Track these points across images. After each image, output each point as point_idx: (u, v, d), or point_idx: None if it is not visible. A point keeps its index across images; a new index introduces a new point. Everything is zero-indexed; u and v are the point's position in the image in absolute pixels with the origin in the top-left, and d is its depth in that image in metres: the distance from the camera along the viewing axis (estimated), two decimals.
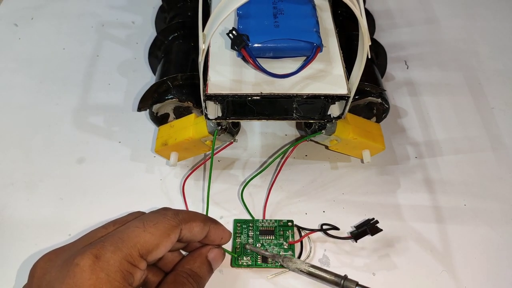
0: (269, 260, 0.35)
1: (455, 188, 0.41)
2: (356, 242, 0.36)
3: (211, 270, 0.32)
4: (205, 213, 0.36)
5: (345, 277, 0.33)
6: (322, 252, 0.37)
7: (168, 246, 0.28)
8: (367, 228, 0.36)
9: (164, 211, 0.29)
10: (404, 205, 0.40)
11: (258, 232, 0.37)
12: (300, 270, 0.34)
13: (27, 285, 0.26)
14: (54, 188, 0.40)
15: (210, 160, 0.37)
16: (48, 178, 0.41)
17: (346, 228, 0.38)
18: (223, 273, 0.35)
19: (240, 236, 0.37)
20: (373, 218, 0.36)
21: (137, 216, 0.29)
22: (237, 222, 0.38)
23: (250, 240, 0.37)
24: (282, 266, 0.35)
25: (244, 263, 0.36)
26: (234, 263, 0.36)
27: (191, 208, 0.39)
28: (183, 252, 0.33)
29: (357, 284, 0.33)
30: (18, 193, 0.40)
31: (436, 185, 0.41)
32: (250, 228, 0.38)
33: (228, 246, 0.36)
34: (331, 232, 0.37)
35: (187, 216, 0.29)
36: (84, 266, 0.24)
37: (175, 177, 0.41)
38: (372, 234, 0.36)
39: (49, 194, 0.40)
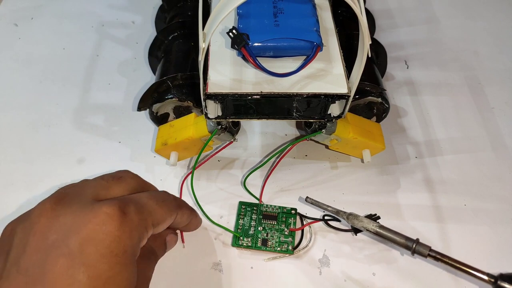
0: (269, 243, 0.36)
1: (455, 188, 0.41)
2: (356, 235, 0.36)
3: (164, 250, 0.34)
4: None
5: (417, 241, 0.32)
6: (322, 252, 0.37)
7: (167, 224, 0.29)
8: None
9: (166, 193, 0.31)
10: (404, 205, 0.40)
11: (261, 216, 0.38)
12: (367, 230, 0.33)
13: (28, 224, 0.25)
14: (54, 188, 0.40)
15: (208, 158, 0.37)
16: (48, 178, 0.41)
17: (344, 221, 0.38)
18: (223, 250, 0.36)
19: (243, 218, 0.38)
20: (375, 214, 0.36)
21: (131, 176, 0.30)
22: (242, 204, 0.39)
23: (253, 223, 0.37)
24: (281, 251, 0.35)
25: (244, 244, 0.36)
26: (235, 243, 0.36)
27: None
28: None
29: (430, 249, 0.31)
30: (18, 193, 0.40)
31: (436, 185, 0.41)
32: (254, 211, 0.38)
33: (230, 226, 0.38)
34: (331, 223, 0.37)
35: (182, 202, 0.32)
36: (114, 216, 0.25)
37: (175, 177, 0.41)
38: None
39: (49, 194, 0.40)
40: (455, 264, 0.31)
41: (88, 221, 0.24)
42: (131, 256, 0.25)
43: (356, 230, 0.36)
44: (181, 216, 0.31)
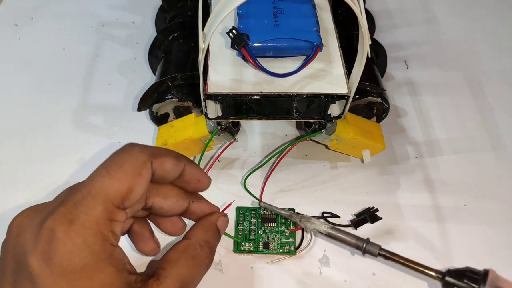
0: (270, 246, 0.36)
1: (455, 188, 0.41)
2: (356, 229, 0.37)
3: (219, 238, 0.30)
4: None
5: (367, 241, 0.32)
6: (322, 253, 0.37)
7: (143, 184, 0.25)
8: (367, 216, 0.36)
9: (130, 147, 0.26)
10: (404, 205, 0.40)
11: (260, 220, 0.38)
12: (319, 232, 0.33)
13: (4, 242, 0.24)
14: (54, 188, 0.40)
15: (214, 162, 0.37)
16: (48, 178, 0.41)
17: (344, 216, 0.38)
18: (225, 258, 0.36)
19: (242, 223, 0.38)
20: (373, 207, 0.36)
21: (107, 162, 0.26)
22: (239, 209, 0.38)
23: (253, 227, 0.37)
24: (283, 253, 0.35)
25: (246, 249, 0.36)
26: (237, 249, 0.36)
27: None
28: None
29: (380, 248, 0.32)
30: (18, 193, 0.40)
31: (436, 185, 0.41)
32: (252, 215, 0.38)
33: (230, 232, 0.37)
34: (331, 220, 0.37)
35: (156, 151, 0.26)
36: (56, 231, 0.22)
37: None
38: (372, 222, 0.36)
39: (49, 194, 0.40)
40: (404, 262, 0.31)
41: (37, 240, 0.22)
42: (97, 264, 0.23)
43: (356, 224, 0.36)
44: (161, 165, 0.26)
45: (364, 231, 0.37)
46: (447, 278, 0.30)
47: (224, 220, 0.30)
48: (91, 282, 0.22)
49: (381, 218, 0.36)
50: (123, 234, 0.26)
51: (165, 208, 0.28)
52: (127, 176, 0.24)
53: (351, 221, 0.37)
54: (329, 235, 0.32)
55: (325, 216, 0.38)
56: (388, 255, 0.31)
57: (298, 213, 0.35)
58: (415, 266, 0.31)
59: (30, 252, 0.22)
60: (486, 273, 0.29)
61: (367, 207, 0.37)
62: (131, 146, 0.26)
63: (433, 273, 0.31)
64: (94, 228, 0.23)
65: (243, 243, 0.36)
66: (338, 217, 0.38)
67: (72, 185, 0.26)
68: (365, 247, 0.32)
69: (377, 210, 0.36)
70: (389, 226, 0.38)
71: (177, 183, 0.29)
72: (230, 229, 0.38)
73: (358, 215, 0.37)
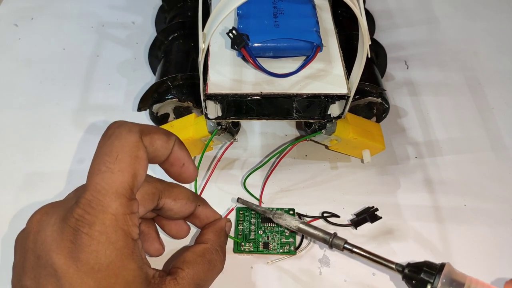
0: (270, 246, 0.36)
1: (455, 188, 0.41)
2: (356, 229, 0.37)
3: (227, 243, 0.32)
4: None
5: (334, 235, 0.33)
6: (322, 252, 0.37)
7: (144, 165, 0.24)
8: (367, 215, 0.36)
9: (117, 130, 0.25)
10: (404, 205, 0.40)
11: (260, 220, 0.38)
12: (290, 227, 0.34)
13: (22, 238, 0.25)
14: (54, 188, 0.40)
15: (217, 163, 0.37)
16: (48, 178, 0.41)
17: (344, 216, 0.38)
18: (226, 259, 0.35)
19: (242, 223, 0.38)
20: (373, 206, 0.36)
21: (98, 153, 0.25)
22: (239, 210, 0.38)
23: (253, 227, 0.37)
24: (284, 253, 0.35)
25: (246, 249, 0.36)
26: (237, 249, 0.36)
27: None
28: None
29: (345, 242, 0.33)
30: (18, 193, 0.40)
31: (436, 185, 0.41)
32: (252, 215, 0.38)
33: (231, 232, 0.37)
34: (331, 219, 0.38)
35: (145, 127, 0.25)
36: (82, 232, 0.22)
37: None
38: (372, 222, 0.36)
39: (49, 194, 0.40)
40: (367, 255, 0.33)
41: (61, 239, 0.23)
42: (121, 261, 0.23)
43: (356, 224, 0.37)
44: (151, 143, 0.25)
45: (364, 231, 0.37)
46: (406, 271, 0.31)
47: (230, 226, 0.32)
48: (117, 280, 0.23)
49: (380, 218, 0.36)
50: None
51: (174, 210, 0.29)
52: (127, 164, 0.24)
53: (351, 220, 0.37)
54: (299, 230, 0.34)
55: (325, 216, 0.38)
56: (353, 249, 0.33)
57: (272, 209, 0.36)
58: (378, 260, 0.32)
59: (55, 250, 0.22)
60: (442, 266, 0.30)
61: (367, 206, 0.37)
62: (118, 128, 0.25)
63: (393, 266, 0.32)
64: (115, 225, 0.23)
65: (243, 243, 0.36)
66: (338, 216, 0.38)
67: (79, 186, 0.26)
68: (331, 241, 0.33)
69: (376, 209, 0.36)
70: (389, 226, 0.38)
71: (161, 166, 0.28)
72: (231, 229, 0.38)
73: (358, 214, 0.37)
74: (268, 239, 0.37)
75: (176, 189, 0.29)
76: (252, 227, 0.37)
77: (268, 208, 0.37)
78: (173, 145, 0.27)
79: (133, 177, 0.24)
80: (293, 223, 0.34)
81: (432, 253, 0.37)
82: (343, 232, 0.37)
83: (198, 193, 0.38)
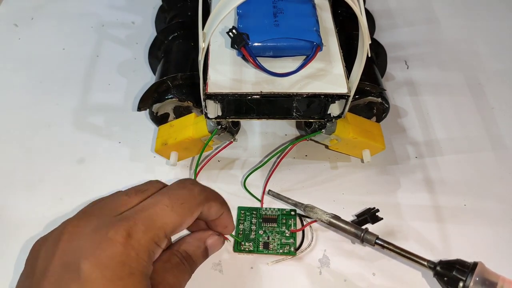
0: (270, 246, 0.36)
1: (455, 188, 0.41)
2: None
3: (206, 256, 0.32)
4: None
5: (366, 230, 0.33)
6: (322, 252, 0.36)
7: (189, 223, 0.28)
8: (368, 216, 0.36)
9: (191, 186, 0.29)
10: (404, 205, 0.40)
11: (261, 220, 0.38)
12: (321, 220, 0.35)
13: (48, 245, 0.26)
14: (54, 188, 0.40)
15: (208, 160, 0.37)
16: (48, 178, 0.41)
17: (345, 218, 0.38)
18: (223, 250, 0.36)
19: (243, 223, 0.38)
20: (374, 207, 0.36)
21: (157, 187, 0.29)
22: (241, 209, 0.38)
23: (253, 227, 0.37)
24: (283, 253, 0.35)
25: (246, 249, 0.36)
26: (237, 248, 0.36)
27: None
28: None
29: (377, 237, 0.33)
30: (18, 193, 0.40)
31: (436, 185, 0.41)
32: (253, 215, 0.38)
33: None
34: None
35: (210, 194, 0.30)
36: (117, 242, 0.25)
37: (175, 177, 0.41)
38: (373, 223, 0.36)
39: (49, 194, 0.40)
40: (399, 251, 0.33)
41: (97, 246, 0.25)
42: (140, 277, 0.25)
43: (357, 225, 0.36)
44: (208, 209, 0.29)
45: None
46: (438, 268, 0.31)
47: (216, 239, 0.33)
48: None
49: (381, 219, 0.36)
50: None
51: (201, 218, 0.31)
52: (184, 213, 0.27)
53: (352, 221, 0.37)
54: (330, 224, 0.34)
55: None
56: (384, 244, 0.33)
57: (302, 203, 0.36)
58: (410, 256, 0.33)
59: (85, 257, 0.24)
60: (474, 265, 0.30)
61: (367, 207, 0.37)
62: (193, 185, 0.29)
63: (425, 263, 0.32)
64: (146, 246, 0.26)
65: (243, 243, 0.36)
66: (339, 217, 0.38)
67: (116, 192, 0.29)
68: (363, 236, 0.33)
69: (377, 210, 0.36)
70: (389, 226, 0.38)
71: (208, 223, 0.32)
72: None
73: (358, 215, 0.37)
74: (268, 239, 0.37)
75: (211, 199, 0.30)
76: (253, 227, 0.37)
77: (298, 202, 0.37)
78: (223, 213, 0.31)
79: (179, 226, 0.27)
80: (324, 217, 0.34)
81: (432, 253, 0.36)
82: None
83: None
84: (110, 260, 0.24)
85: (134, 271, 0.25)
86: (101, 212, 0.27)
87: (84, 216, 0.27)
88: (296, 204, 0.36)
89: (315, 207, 0.35)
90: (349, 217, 0.39)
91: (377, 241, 0.33)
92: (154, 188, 0.29)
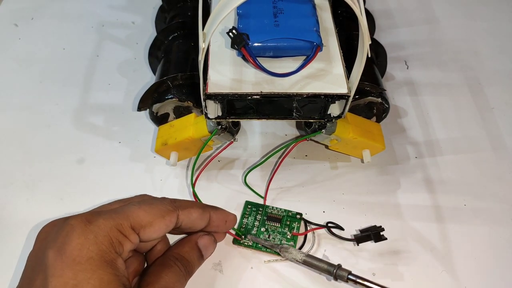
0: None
1: (455, 188, 0.41)
2: (358, 245, 0.36)
3: (201, 257, 0.32)
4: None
5: (338, 266, 0.33)
6: (322, 252, 0.36)
7: (162, 227, 0.28)
8: (371, 234, 0.36)
9: (162, 198, 0.30)
10: (404, 205, 0.40)
11: (266, 217, 0.38)
12: (296, 260, 0.34)
13: (33, 248, 0.28)
14: (54, 188, 0.40)
15: (210, 161, 0.37)
16: (48, 178, 0.41)
17: (347, 230, 0.38)
18: (223, 250, 0.36)
19: (247, 217, 0.38)
20: (380, 226, 0.36)
21: (143, 198, 0.31)
22: (248, 204, 0.39)
23: (256, 223, 0.37)
24: (279, 255, 0.36)
25: (245, 243, 0.36)
26: (236, 241, 0.36)
27: None
28: None
29: (349, 273, 0.33)
30: (18, 193, 0.40)
31: (436, 185, 0.41)
32: (259, 212, 0.38)
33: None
34: (334, 231, 0.37)
35: (184, 203, 0.30)
36: (75, 226, 0.26)
37: (175, 177, 0.41)
38: (376, 241, 0.36)
39: (49, 194, 0.40)
40: (373, 286, 0.32)
41: (58, 235, 0.26)
42: (100, 262, 0.25)
43: (358, 240, 0.36)
44: (187, 216, 0.30)
45: (364, 246, 0.37)
46: None
47: (206, 240, 0.32)
48: (92, 275, 0.24)
49: (385, 239, 0.36)
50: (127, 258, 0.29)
51: (190, 227, 0.31)
52: (153, 212, 0.28)
53: (355, 236, 0.37)
54: (304, 263, 0.34)
55: (329, 226, 0.37)
56: (357, 280, 0.32)
57: (278, 244, 0.36)
58: None
59: (50, 246, 0.25)
60: None
61: (373, 225, 0.37)
62: (164, 198, 0.31)
63: None
64: (106, 231, 0.26)
65: (243, 236, 0.36)
66: (342, 229, 0.37)
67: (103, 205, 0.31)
68: (336, 272, 0.33)
69: (383, 229, 0.36)
70: (389, 226, 0.38)
71: (208, 230, 0.32)
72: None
73: (362, 231, 0.37)
74: (269, 237, 0.37)
75: (186, 205, 0.31)
76: (256, 223, 0.37)
77: (275, 242, 0.36)
78: (209, 215, 0.31)
79: (148, 223, 0.28)
80: (299, 256, 0.34)
81: (432, 253, 0.36)
82: (343, 246, 0.37)
83: (193, 184, 0.38)
84: (68, 245, 0.25)
85: (92, 255, 0.25)
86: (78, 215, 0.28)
87: (62, 218, 0.28)
88: (272, 246, 0.35)
89: (290, 247, 0.35)
90: (349, 219, 0.38)
91: (349, 276, 0.32)
92: (138, 198, 0.31)
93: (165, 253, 0.32)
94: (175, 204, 0.30)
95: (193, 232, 0.33)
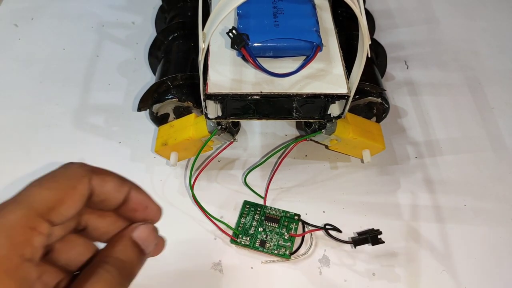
0: (267, 245, 0.36)
1: (455, 188, 0.41)
2: (355, 248, 0.36)
3: (140, 252, 0.25)
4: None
5: None
6: (322, 253, 0.37)
7: (77, 200, 0.22)
8: (369, 236, 0.36)
9: (68, 164, 0.24)
10: (404, 205, 0.40)
11: (264, 218, 0.38)
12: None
13: None
14: None
15: (209, 162, 0.37)
16: None
17: (346, 230, 0.38)
18: (220, 250, 0.36)
19: (245, 217, 0.38)
20: (378, 229, 0.36)
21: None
22: (246, 203, 0.39)
23: (254, 223, 0.37)
24: (278, 255, 0.36)
25: (242, 242, 0.36)
26: (233, 240, 0.36)
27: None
28: None
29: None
30: None
31: (436, 185, 0.41)
32: (257, 212, 0.38)
33: (232, 224, 0.38)
34: (332, 233, 0.37)
35: (98, 169, 0.24)
36: None
37: (175, 178, 0.41)
38: (373, 244, 0.36)
39: None
40: None
41: None
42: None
43: (356, 243, 0.36)
44: (101, 184, 0.24)
45: (364, 246, 0.37)
46: None
47: (143, 229, 0.25)
48: None
49: (383, 242, 0.36)
50: (47, 253, 0.23)
51: (101, 230, 0.25)
52: (60, 187, 0.22)
53: (352, 238, 0.37)
54: None
55: (327, 228, 0.37)
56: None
57: None
58: None
59: None
60: None
61: (371, 228, 0.37)
62: (69, 163, 0.24)
63: None
64: (5, 232, 0.20)
65: (240, 236, 0.36)
66: (340, 231, 0.37)
67: None
68: None
69: (380, 233, 0.36)
70: (389, 226, 0.38)
71: (122, 212, 0.26)
72: (231, 223, 0.38)
73: (360, 233, 0.37)
74: (266, 237, 0.37)
75: (104, 173, 0.25)
76: (254, 223, 0.37)
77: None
78: (128, 190, 0.25)
79: (58, 201, 0.22)
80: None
81: (432, 253, 0.36)
82: (341, 247, 0.37)
83: (191, 185, 0.38)
84: None
85: None
86: None
87: None
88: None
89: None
90: (349, 219, 0.38)
91: None
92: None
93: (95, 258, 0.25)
94: (86, 168, 0.23)
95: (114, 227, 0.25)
